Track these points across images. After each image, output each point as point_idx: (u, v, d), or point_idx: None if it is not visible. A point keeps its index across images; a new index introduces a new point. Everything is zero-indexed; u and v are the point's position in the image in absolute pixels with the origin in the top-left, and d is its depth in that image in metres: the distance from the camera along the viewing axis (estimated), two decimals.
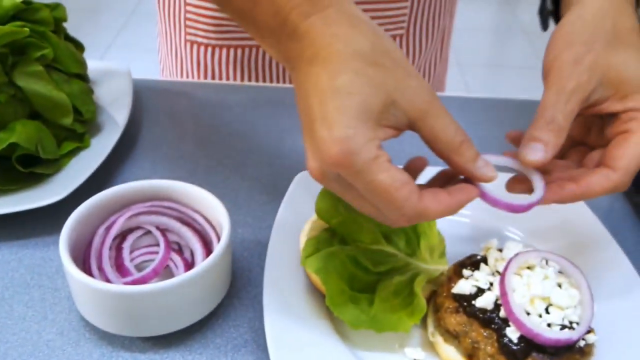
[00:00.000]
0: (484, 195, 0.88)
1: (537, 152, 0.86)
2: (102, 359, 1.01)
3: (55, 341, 1.03)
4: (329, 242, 1.07)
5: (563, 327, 0.92)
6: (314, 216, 1.12)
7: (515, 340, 0.92)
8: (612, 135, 0.86)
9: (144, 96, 1.59)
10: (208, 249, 1.09)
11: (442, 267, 1.09)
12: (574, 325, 0.93)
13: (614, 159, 0.84)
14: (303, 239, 1.09)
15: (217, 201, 1.09)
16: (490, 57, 5.40)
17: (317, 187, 1.07)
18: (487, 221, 1.23)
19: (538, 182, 0.91)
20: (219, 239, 1.06)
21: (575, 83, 0.82)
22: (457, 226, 1.23)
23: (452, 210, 0.81)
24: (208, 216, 1.12)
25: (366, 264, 1.03)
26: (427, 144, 0.80)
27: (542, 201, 0.91)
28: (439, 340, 1.01)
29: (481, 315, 0.95)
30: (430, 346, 1.03)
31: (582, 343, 0.93)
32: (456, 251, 1.12)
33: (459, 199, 0.82)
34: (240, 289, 1.14)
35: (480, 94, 1.67)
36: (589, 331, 0.95)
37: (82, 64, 1.38)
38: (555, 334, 0.90)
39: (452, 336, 0.99)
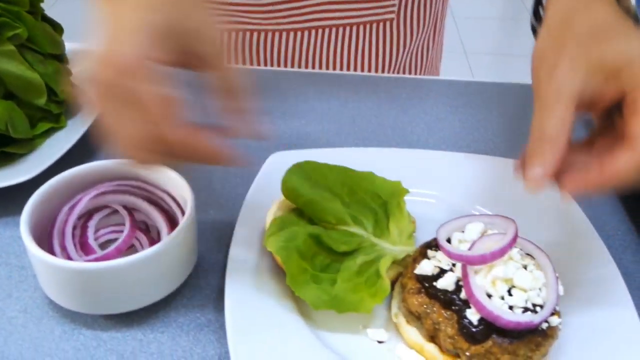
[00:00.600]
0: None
1: (534, 170, 0.85)
2: (64, 336, 1.00)
3: (18, 318, 1.03)
4: (295, 222, 1.06)
5: (526, 309, 0.90)
6: (282, 196, 1.10)
7: (475, 323, 0.90)
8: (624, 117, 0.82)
9: None
10: (174, 229, 1.08)
11: (409, 248, 1.07)
12: (537, 308, 0.91)
13: (631, 133, 0.79)
14: (269, 219, 1.08)
15: (183, 180, 1.08)
16: (497, 45, 5.34)
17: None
18: (458, 203, 1.21)
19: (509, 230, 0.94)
20: None
21: (555, 91, 0.81)
22: (428, 207, 1.21)
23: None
24: (175, 196, 1.11)
25: (329, 244, 1.02)
26: (213, 88, 0.93)
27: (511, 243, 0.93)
28: (401, 321, 0.99)
29: (442, 296, 0.93)
30: (394, 327, 1.01)
31: (544, 325, 0.91)
32: (429, 233, 1.10)
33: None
34: (207, 269, 1.13)
35: (467, 78, 1.65)
36: (554, 313, 0.92)
37: (59, 45, 1.37)
38: (516, 317, 0.88)
39: (415, 317, 0.97)
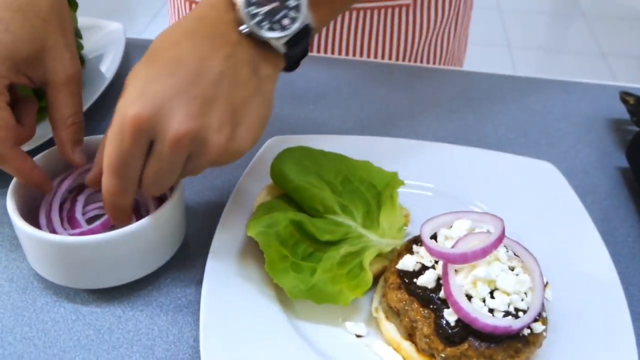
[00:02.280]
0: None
1: None
2: (45, 307, 1.01)
3: (3, 286, 1.04)
4: (282, 208, 1.04)
5: (507, 314, 0.86)
6: (270, 182, 1.08)
7: (452, 323, 0.86)
8: None
9: (138, 55, 1.57)
10: None
11: (397, 242, 1.04)
12: (520, 313, 0.87)
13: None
14: (257, 204, 1.06)
15: None
16: (544, 40, 5.17)
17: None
18: (456, 198, 1.16)
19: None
20: None
21: None
22: (424, 200, 1.17)
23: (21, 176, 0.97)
24: None
25: (313, 232, 0.99)
26: (47, 109, 0.97)
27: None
28: (381, 316, 0.96)
29: (421, 294, 0.90)
30: (374, 322, 0.98)
31: (526, 332, 0.87)
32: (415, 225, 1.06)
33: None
34: (194, 250, 1.11)
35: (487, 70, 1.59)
36: (537, 320, 0.88)
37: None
38: (493, 321, 0.84)
39: (394, 313, 0.94)
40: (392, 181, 1.11)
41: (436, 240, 0.95)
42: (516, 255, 0.93)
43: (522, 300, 0.88)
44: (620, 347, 0.92)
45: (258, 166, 1.18)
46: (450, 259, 0.87)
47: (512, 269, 0.91)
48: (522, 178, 1.18)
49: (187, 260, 1.10)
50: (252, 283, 0.99)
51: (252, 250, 1.04)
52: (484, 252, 0.87)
